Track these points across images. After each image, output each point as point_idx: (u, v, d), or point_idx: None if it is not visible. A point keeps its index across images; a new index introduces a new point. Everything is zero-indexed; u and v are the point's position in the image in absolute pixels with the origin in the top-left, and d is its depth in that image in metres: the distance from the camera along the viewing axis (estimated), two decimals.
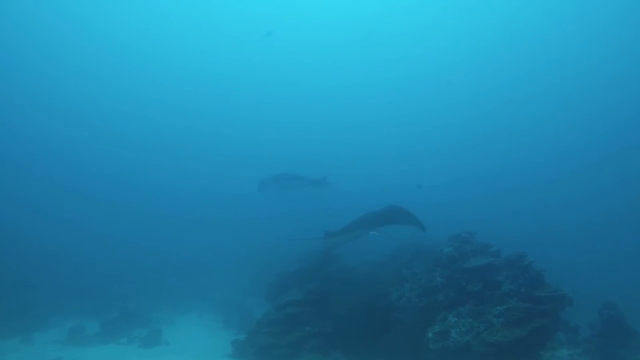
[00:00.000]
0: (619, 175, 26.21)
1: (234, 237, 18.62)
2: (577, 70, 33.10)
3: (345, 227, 8.68)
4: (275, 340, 7.73)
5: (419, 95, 37.91)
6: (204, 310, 14.22)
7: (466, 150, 33.44)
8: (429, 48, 37.00)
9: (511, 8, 32.89)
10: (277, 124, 37.45)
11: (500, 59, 35.62)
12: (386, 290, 8.77)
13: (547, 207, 24.86)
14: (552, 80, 33.93)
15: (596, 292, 9.59)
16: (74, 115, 33.92)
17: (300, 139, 34.52)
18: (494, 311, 7.15)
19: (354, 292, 8.96)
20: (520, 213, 23.91)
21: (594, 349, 6.95)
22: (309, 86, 38.93)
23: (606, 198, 24.80)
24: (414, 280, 8.81)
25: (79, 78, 34.48)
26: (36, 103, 32.57)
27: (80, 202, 24.66)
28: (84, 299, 13.75)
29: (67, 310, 12.95)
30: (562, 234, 19.92)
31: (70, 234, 18.27)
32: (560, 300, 7.12)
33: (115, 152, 33.03)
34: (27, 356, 9.40)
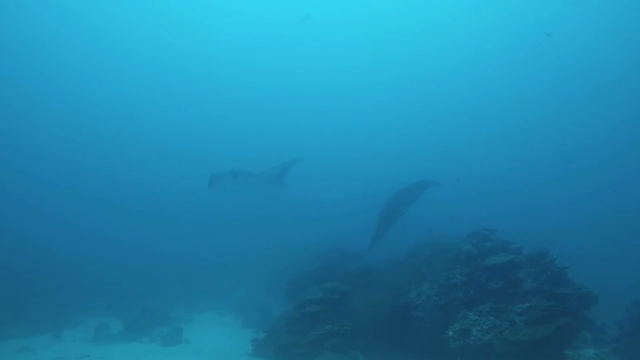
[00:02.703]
0: None
1: (253, 238, 18.89)
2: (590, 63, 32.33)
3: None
4: (295, 338, 7.76)
5: (437, 92, 37.56)
6: (223, 309, 14.44)
7: (477, 147, 33.08)
8: (441, 46, 36.53)
9: (517, 7, 32.37)
10: (284, 124, 37.63)
11: (513, 54, 34.94)
12: (405, 289, 8.72)
13: (565, 203, 24.39)
14: (567, 73, 33.21)
15: (623, 290, 9.29)
16: (73, 117, 34.49)
17: (303, 140, 34.71)
18: (516, 309, 7.00)
19: (372, 290, 8.95)
20: (536, 210, 23.56)
21: (622, 348, 6.74)
22: (319, 87, 38.88)
23: (629, 191, 24.01)
24: (433, 278, 8.72)
25: (77, 78, 34.90)
26: (33, 104, 33.12)
27: (102, 210, 25.27)
28: (108, 298, 14.19)
29: (93, 310, 13.44)
30: (584, 229, 19.40)
31: (95, 241, 18.92)
32: (585, 298, 6.92)
33: (128, 156, 33.58)
34: (57, 353, 9.72)
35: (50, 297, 12.73)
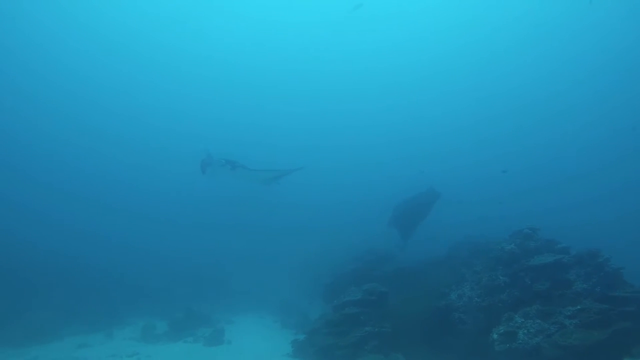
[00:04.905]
0: None
1: (290, 242, 19.26)
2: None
3: None
4: (336, 340, 7.79)
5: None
6: (262, 311, 14.76)
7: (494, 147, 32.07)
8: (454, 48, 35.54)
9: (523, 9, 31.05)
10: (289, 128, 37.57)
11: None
12: (445, 290, 8.56)
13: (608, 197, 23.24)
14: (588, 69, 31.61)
15: None
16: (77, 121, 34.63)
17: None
18: (566, 312, 6.69)
19: (411, 291, 8.86)
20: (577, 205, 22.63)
21: None
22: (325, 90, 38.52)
23: None
24: (474, 279, 8.52)
25: (77, 81, 34.86)
26: (34, 106, 33.21)
27: (145, 223, 26.20)
28: (153, 300, 14.91)
29: (140, 310, 14.13)
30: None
31: (140, 250, 19.81)
32: None
33: (160, 167, 34.20)
34: (110, 350, 10.36)
35: (103, 299, 13.65)
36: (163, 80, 38.19)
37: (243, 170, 10.28)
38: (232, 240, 21.78)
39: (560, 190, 26.92)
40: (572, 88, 33.21)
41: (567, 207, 24.08)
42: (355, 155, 35.06)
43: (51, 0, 30.25)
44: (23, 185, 27.60)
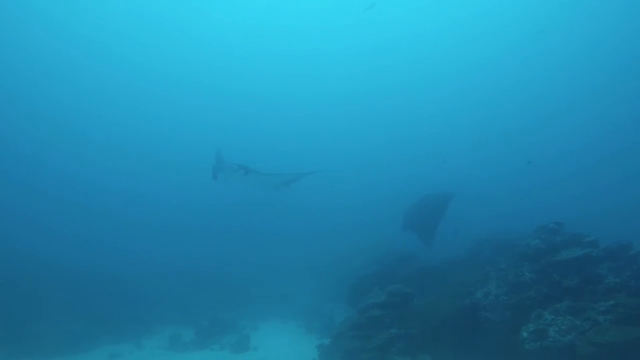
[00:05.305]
0: None
1: (312, 247, 19.34)
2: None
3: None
4: (361, 343, 7.77)
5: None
6: (286, 316, 14.85)
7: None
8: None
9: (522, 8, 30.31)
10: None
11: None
12: (470, 288, 8.43)
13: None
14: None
15: None
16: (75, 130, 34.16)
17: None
18: (599, 307, 6.47)
19: (436, 291, 8.77)
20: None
21: None
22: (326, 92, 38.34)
23: None
24: (499, 277, 8.35)
25: (81, 89, 34.43)
26: (23, 112, 32.36)
27: (164, 235, 26.65)
28: (179, 308, 15.20)
29: (166, 319, 14.43)
30: None
31: (164, 261, 20.28)
32: None
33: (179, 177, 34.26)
34: (140, 359, 10.65)
35: (130, 309, 14.01)
36: (171, 89, 38.19)
37: (256, 175, 9.88)
38: (253, 246, 21.97)
39: (577, 181, 26.33)
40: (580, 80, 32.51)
41: (583, 197, 23.55)
42: (373, 155, 34.91)
43: (41, 3, 29.43)
44: (45, 202, 28.52)
